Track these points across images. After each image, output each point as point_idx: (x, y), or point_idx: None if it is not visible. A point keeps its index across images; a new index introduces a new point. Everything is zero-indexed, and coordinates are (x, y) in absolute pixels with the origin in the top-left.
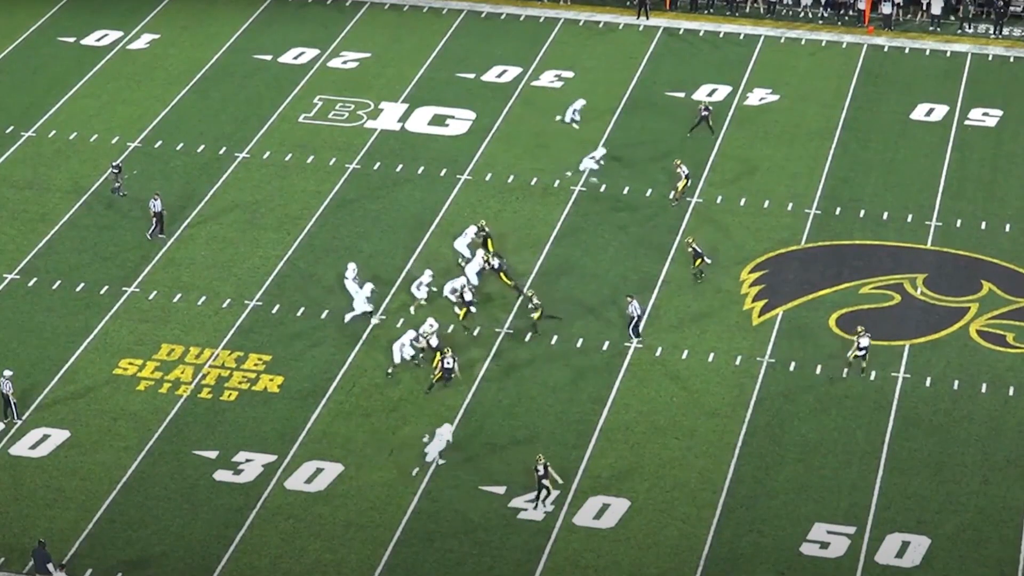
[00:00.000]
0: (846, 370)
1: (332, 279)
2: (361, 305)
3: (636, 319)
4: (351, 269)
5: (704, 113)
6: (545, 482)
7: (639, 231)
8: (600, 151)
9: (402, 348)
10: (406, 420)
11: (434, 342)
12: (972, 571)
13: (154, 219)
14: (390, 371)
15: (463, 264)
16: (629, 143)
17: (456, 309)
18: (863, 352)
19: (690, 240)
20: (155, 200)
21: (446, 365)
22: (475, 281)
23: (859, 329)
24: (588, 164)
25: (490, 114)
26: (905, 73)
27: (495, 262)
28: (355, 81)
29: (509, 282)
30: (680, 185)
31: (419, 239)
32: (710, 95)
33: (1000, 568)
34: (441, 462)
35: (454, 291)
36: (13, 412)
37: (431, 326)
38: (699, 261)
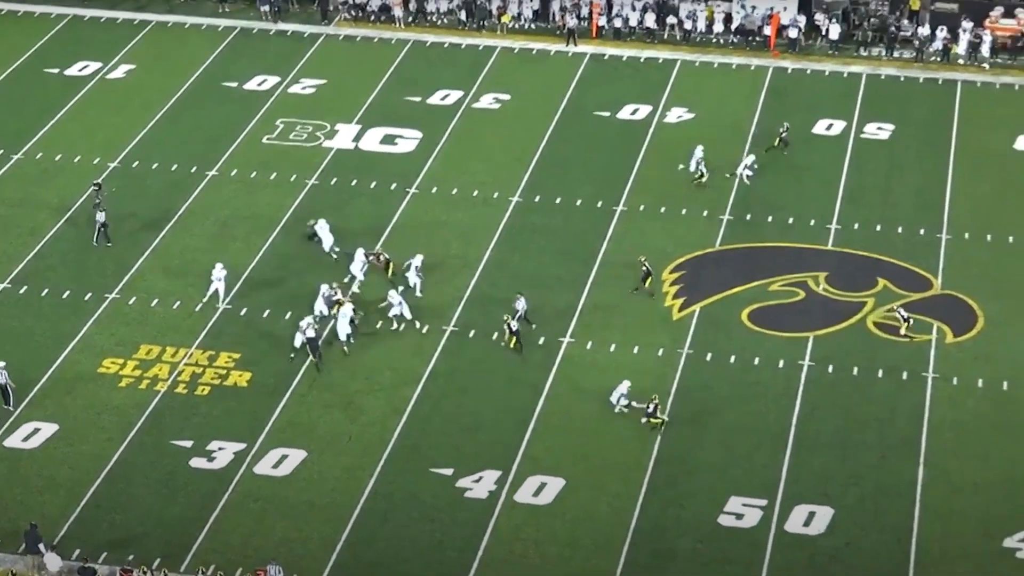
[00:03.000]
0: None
1: (295, 285)
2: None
3: (523, 313)
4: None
5: (783, 133)
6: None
7: (570, 237)
8: (751, 158)
9: (304, 333)
10: (362, 411)
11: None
12: (871, 538)
13: (99, 228)
14: (292, 356)
15: (352, 280)
16: (561, 158)
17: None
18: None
19: (642, 259)
20: (100, 212)
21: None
22: (360, 277)
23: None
24: (743, 171)
25: (435, 133)
26: (807, 92)
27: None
28: (313, 105)
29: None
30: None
31: (373, 246)
32: (633, 114)
33: (896, 535)
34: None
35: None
36: (11, 399)
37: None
38: (648, 280)
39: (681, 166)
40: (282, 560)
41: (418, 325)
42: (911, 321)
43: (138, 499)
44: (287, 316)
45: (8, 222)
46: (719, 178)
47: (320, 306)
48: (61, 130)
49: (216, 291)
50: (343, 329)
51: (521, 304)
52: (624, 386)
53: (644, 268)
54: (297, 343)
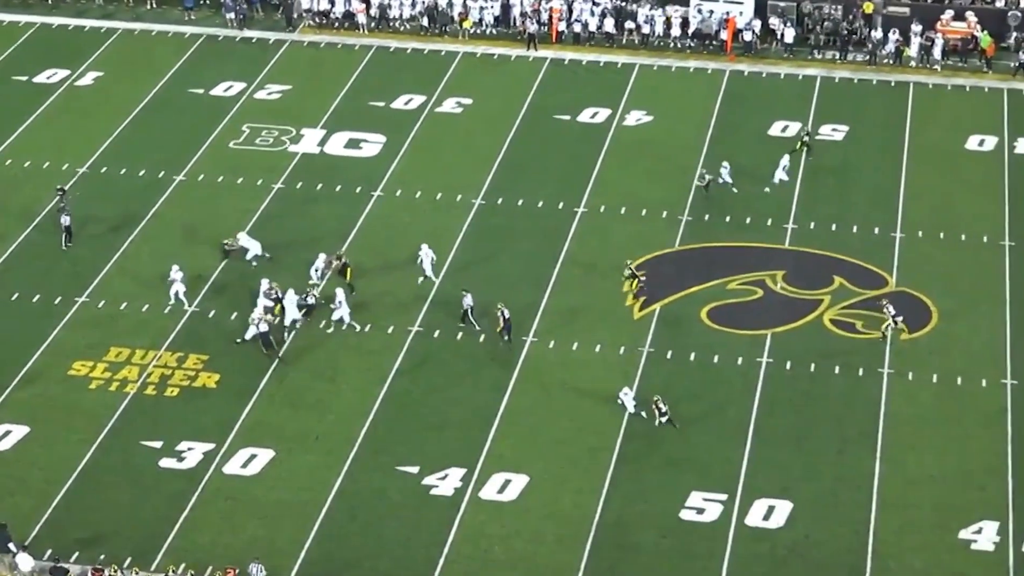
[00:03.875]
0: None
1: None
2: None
3: (469, 309)
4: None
5: (805, 138)
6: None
7: (532, 238)
8: (785, 159)
9: (257, 324)
10: (329, 410)
11: (268, 303)
12: (829, 531)
13: (64, 231)
14: (239, 340)
15: (314, 285)
16: (522, 161)
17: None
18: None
19: (629, 262)
20: (65, 216)
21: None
22: (315, 279)
23: (883, 301)
24: (780, 175)
25: (399, 137)
26: (763, 95)
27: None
28: (278, 110)
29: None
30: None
31: (338, 249)
32: (593, 117)
33: (854, 527)
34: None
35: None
36: None
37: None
38: (635, 283)
39: (698, 182)
40: (252, 559)
41: (358, 328)
42: (897, 323)
43: (109, 499)
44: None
45: None
46: (677, 179)
47: (263, 302)
48: (30, 137)
49: (176, 292)
50: (291, 314)
51: (467, 301)
52: (628, 396)
53: (628, 271)
54: (248, 335)
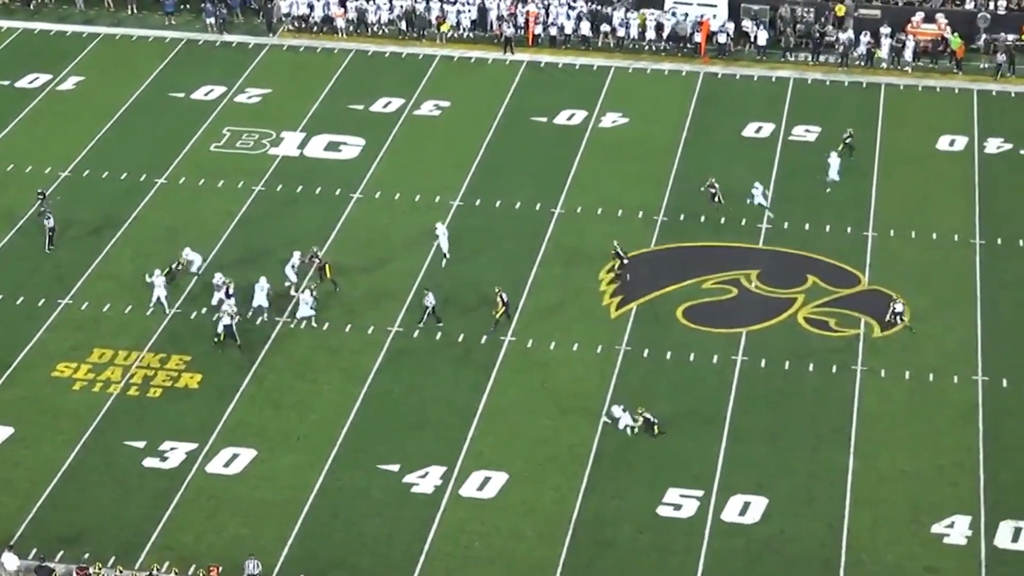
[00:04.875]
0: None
1: (243, 286)
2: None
3: (431, 307)
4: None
5: (847, 139)
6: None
7: (510, 239)
8: (836, 162)
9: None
10: (312, 410)
11: (226, 292)
12: (804, 526)
13: (47, 234)
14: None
15: (290, 286)
16: (500, 162)
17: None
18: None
19: (615, 243)
20: (48, 218)
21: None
22: (293, 278)
23: (895, 296)
24: (833, 176)
25: (378, 140)
26: (737, 97)
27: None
28: (259, 113)
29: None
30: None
31: (319, 249)
32: (569, 119)
33: (828, 522)
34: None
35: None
36: None
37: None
38: (618, 262)
39: (710, 191)
40: (234, 557)
41: (315, 325)
42: (903, 314)
43: (93, 499)
44: (234, 320)
45: None
46: (653, 180)
47: (220, 295)
48: (12, 141)
49: (158, 297)
50: (258, 300)
51: (429, 300)
52: (619, 411)
53: (614, 251)
54: (220, 329)
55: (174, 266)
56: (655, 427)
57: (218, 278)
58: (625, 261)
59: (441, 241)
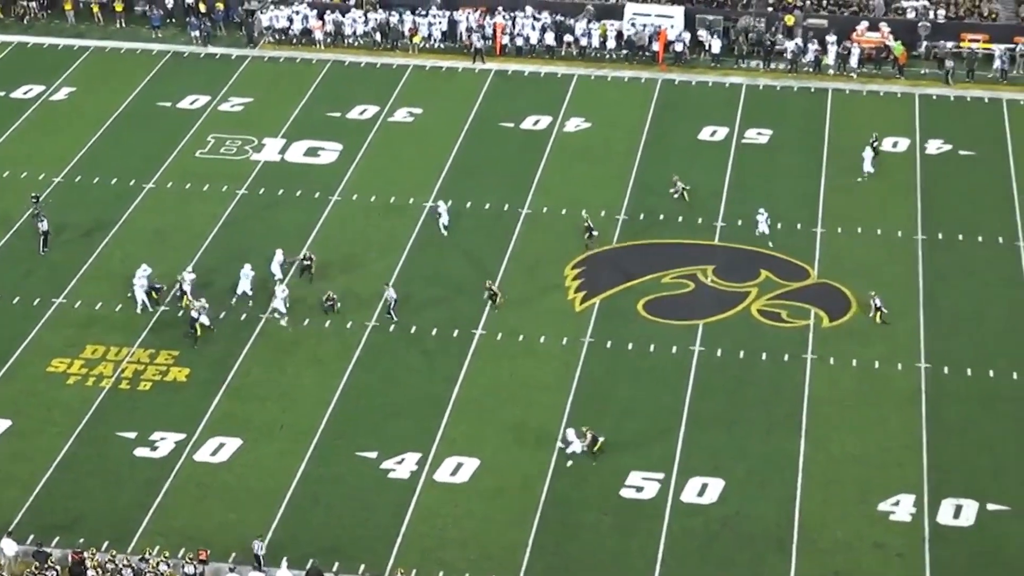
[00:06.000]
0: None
1: (228, 286)
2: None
3: (393, 302)
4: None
5: (874, 143)
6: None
7: (480, 237)
8: (869, 156)
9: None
10: (295, 401)
11: (186, 287)
12: (758, 506)
13: (41, 237)
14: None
15: (277, 284)
16: (469, 165)
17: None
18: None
19: (585, 213)
20: (42, 222)
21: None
22: (279, 275)
23: (872, 294)
24: (868, 168)
25: (355, 146)
26: (693, 102)
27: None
28: (241, 121)
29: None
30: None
31: (299, 249)
32: (535, 124)
33: (781, 503)
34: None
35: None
36: None
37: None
38: (588, 234)
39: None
40: (221, 540)
41: (284, 323)
42: (883, 310)
43: (87, 487)
44: (221, 316)
45: None
46: (614, 181)
47: (187, 288)
48: (7, 149)
49: (142, 300)
50: (243, 287)
51: (390, 294)
52: (572, 435)
53: (586, 223)
54: (195, 324)
55: (176, 291)
56: (597, 444)
57: (186, 275)
58: (594, 233)
59: (443, 219)
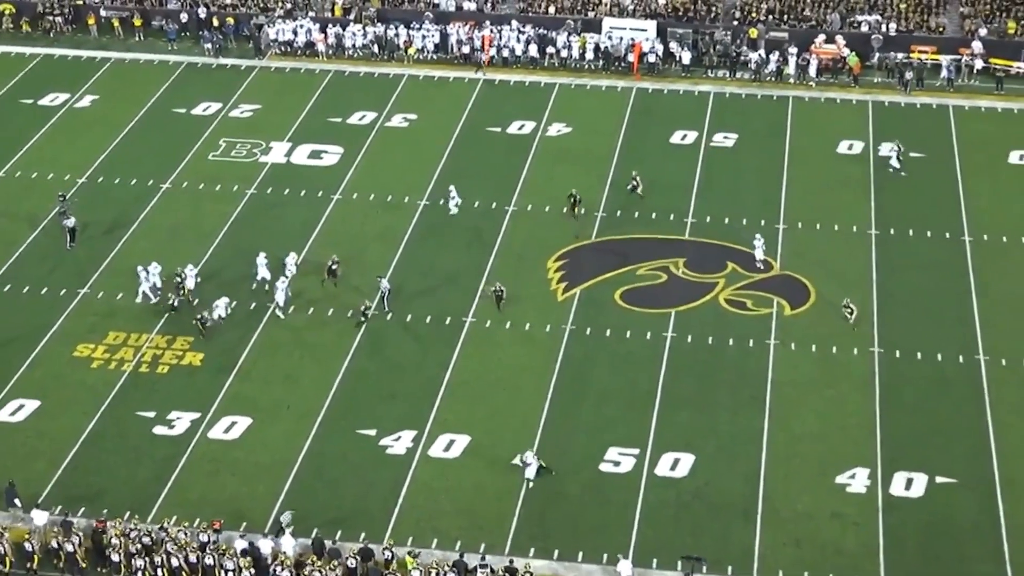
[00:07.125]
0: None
1: (238, 277)
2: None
3: (386, 293)
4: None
5: (899, 149)
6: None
7: (470, 233)
8: (896, 152)
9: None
10: (299, 384)
11: (188, 283)
12: (726, 479)
13: (68, 233)
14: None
15: (281, 280)
16: (459, 167)
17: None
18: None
19: (574, 191)
20: (69, 219)
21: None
22: (293, 270)
23: (846, 301)
24: (895, 163)
25: (354, 149)
26: (665, 109)
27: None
28: (250, 126)
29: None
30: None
31: (304, 244)
32: (520, 129)
33: (747, 476)
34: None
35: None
36: None
37: (190, 270)
38: (575, 207)
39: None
40: (234, 512)
41: (282, 317)
42: (854, 312)
43: (109, 463)
44: (233, 305)
45: None
46: (594, 181)
47: (190, 282)
48: (35, 152)
49: (143, 292)
50: (262, 273)
51: (384, 285)
52: (529, 456)
53: (571, 197)
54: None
55: (177, 284)
56: (543, 469)
57: (190, 270)
58: (578, 209)
59: (453, 201)
